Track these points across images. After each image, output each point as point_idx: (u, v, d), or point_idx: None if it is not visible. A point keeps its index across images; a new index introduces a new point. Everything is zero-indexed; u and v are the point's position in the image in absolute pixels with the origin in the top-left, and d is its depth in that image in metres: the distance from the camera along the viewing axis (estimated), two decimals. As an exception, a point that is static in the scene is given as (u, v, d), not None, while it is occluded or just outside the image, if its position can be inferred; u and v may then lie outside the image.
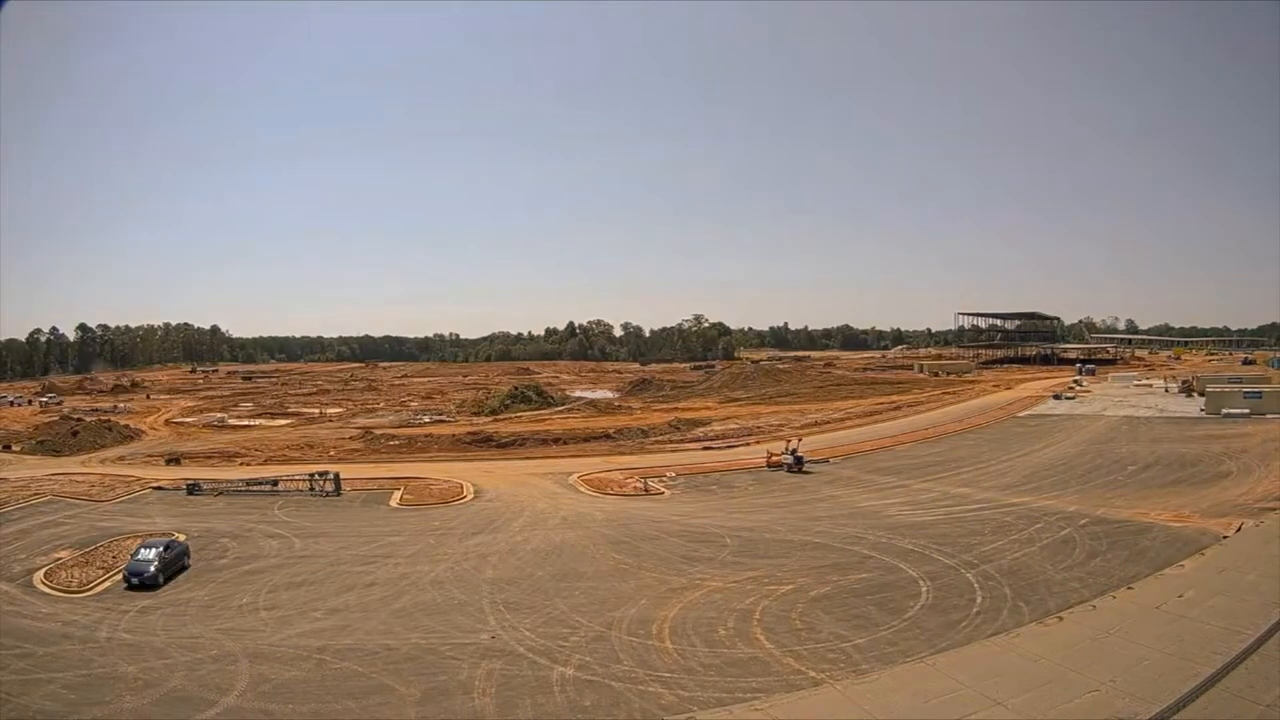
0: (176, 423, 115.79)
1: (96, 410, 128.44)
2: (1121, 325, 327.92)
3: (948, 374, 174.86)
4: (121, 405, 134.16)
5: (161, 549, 38.33)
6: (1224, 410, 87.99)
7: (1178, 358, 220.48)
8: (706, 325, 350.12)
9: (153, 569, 36.75)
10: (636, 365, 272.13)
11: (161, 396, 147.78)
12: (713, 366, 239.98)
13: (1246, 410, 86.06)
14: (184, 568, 39.23)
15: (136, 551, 38.56)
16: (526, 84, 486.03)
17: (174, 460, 77.41)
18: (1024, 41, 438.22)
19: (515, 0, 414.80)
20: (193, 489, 58.98)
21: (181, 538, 43.72)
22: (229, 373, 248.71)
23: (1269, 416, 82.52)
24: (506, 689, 25.18)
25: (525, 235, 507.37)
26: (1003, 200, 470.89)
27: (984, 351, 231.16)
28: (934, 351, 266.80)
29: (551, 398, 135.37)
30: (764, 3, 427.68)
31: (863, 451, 74.53)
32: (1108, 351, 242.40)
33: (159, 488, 60.76)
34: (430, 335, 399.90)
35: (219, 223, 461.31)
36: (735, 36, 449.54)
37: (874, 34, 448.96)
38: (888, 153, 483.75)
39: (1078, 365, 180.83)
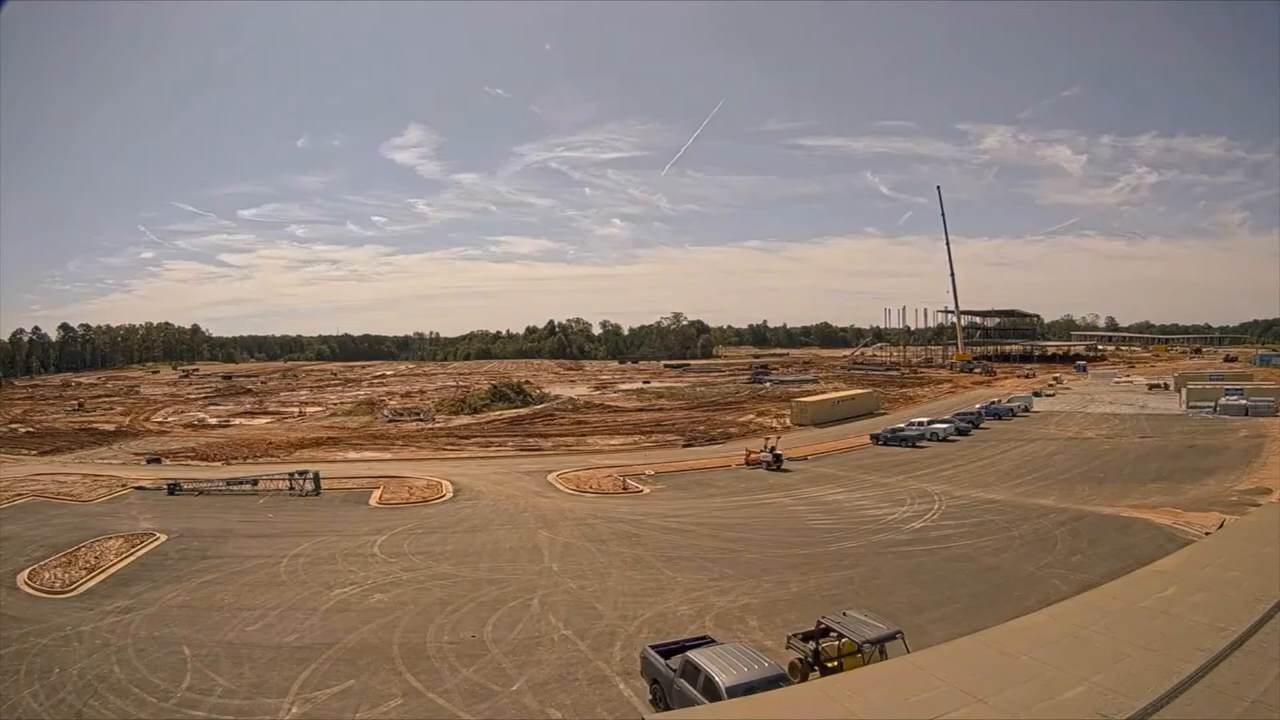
0: (157, 423, 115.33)
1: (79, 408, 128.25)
2: (1102, 323, 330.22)
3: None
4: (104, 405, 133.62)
5: None
6: (1206, 406, 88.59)
7: (1158, 356, 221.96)
8: (685, 323, 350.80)
9: None
10: (615, 364, 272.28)
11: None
12: (688, 365, 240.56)
13: (1229, 406, 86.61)
14: None
15: None
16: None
17: (155, 460, 76.99)
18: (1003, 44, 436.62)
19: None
20: (174, 489, 58.63)
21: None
22: (205, 375, 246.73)
23: (1251, 413, 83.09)
24: (483, 690, 25.01)
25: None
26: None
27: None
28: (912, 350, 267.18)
29: (530, 396, 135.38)
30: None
31: (840, 450, 74.69)
32: (1088, 349, 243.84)
33: (141, 487, 60.34)
34: (410, 334, 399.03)
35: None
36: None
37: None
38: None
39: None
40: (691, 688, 21.38)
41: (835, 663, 24.21)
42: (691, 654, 22.26)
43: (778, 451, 66.21)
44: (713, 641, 24.54)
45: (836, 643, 24.61)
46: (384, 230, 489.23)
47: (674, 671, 22.47)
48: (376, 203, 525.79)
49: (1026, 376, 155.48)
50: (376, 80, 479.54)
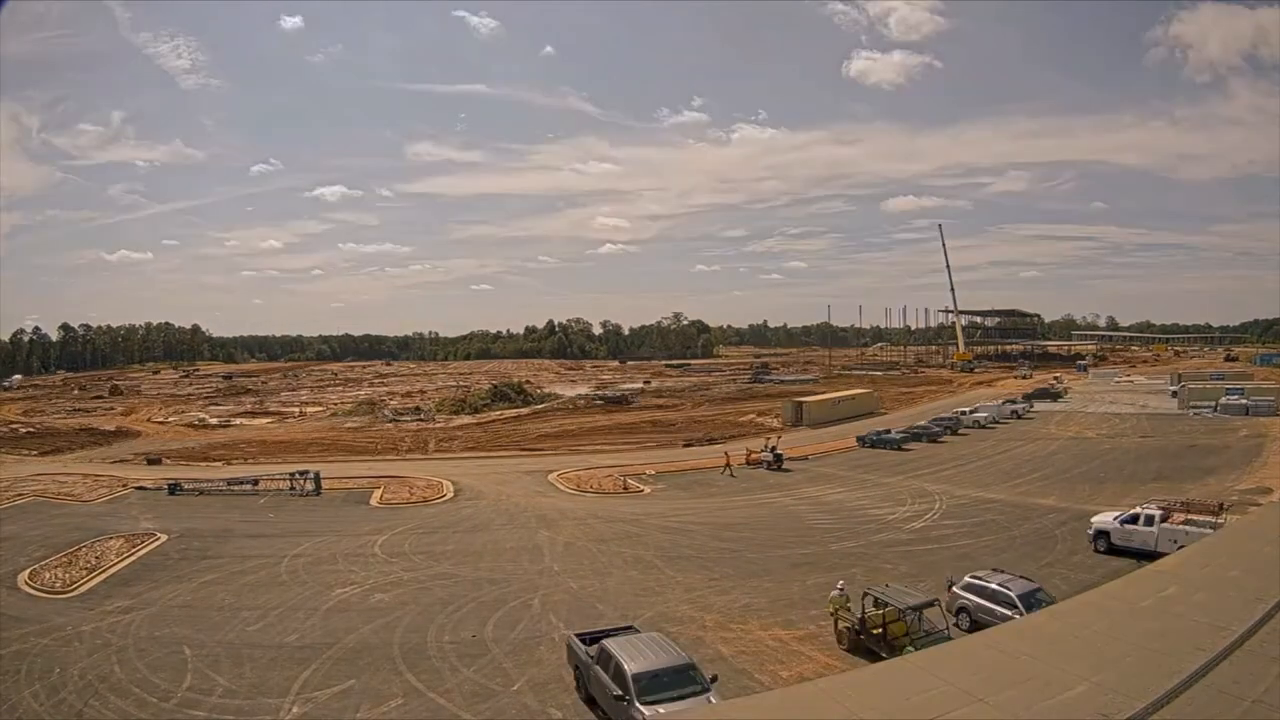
0: (158, 422, 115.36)
1: (79, 410, 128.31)
2: (1102, 323, 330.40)
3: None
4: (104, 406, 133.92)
5: None
6: (1206, 406, 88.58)
7: (1159, 356, 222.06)
8: (685, 323, 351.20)
9: None
10: (615, 363, 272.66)
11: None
12: (689, 365, 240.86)
13: (1230, 406, 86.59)
14: None
15: None
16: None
17: (155, 460, 77.02)
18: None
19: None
20: (174, 489, 58.67)
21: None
22: (205, 375, 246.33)
23: (1252, 413, 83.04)
24: (484, 690, 25.02)
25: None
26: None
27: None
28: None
29: (531, 396, 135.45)
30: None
31: (841, 450, 74.67)
32: (1090, 349, 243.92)
33: (142, 488, 60.38)
34: (410, 334, 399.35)
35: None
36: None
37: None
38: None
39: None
40: (605, 673, 22.52)
41: (879, 629, 26.66)
42: (606, 642, 23.51)
43: (779, 451, 66.29)
44: (634, 630, 25.31)
45: (881, 611, 26.90)
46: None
47: (591, 658, 23.61)
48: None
49: (1023, 378, 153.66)
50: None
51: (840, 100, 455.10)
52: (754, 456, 66.66)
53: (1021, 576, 29.93)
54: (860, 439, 77.50)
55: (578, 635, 25.36)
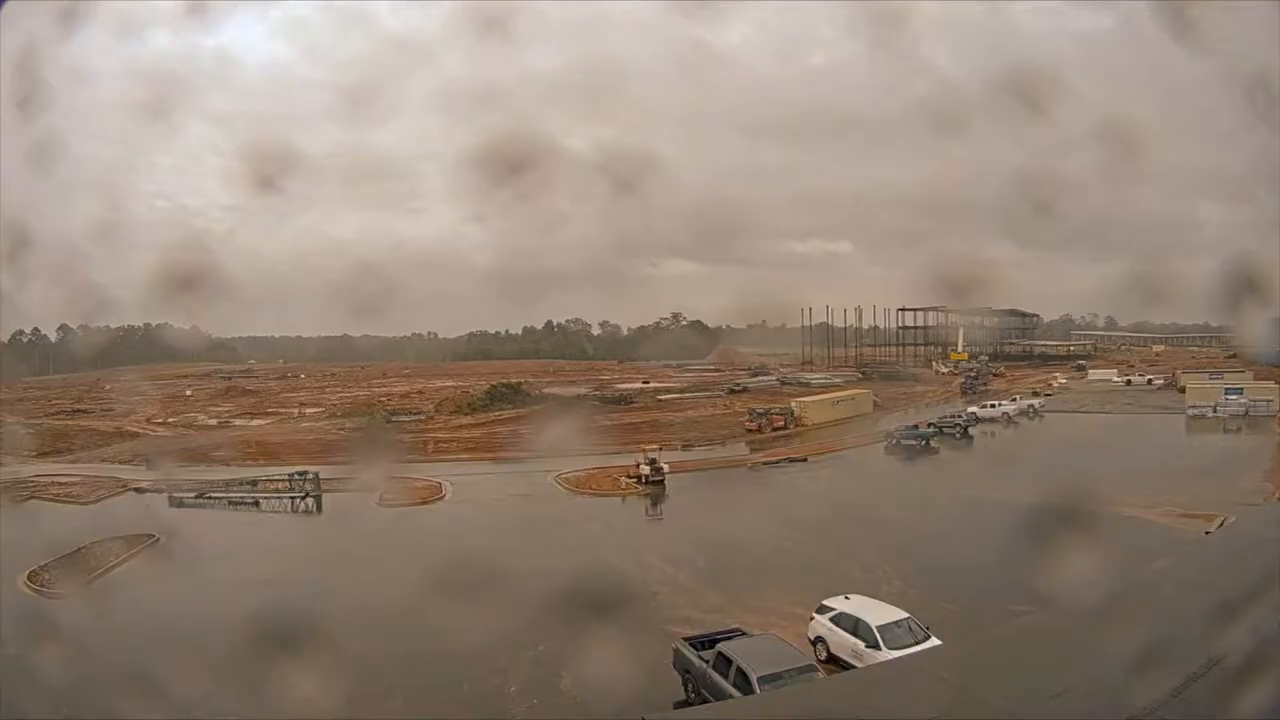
0: (156, 423, 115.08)
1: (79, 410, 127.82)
2: (1100, 323, 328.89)
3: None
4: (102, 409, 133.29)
5: None
6: (1205, 406, 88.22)
7: (1158, 356, 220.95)
8: (685, 324, 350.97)
9: None
10: (615, 364, 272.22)
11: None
12: (688, 365, 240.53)
13: (1229, 406, 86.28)
14: None
15: None
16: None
17: (153, 462, 76.75)
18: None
19: None
20: (172, 490, 58.53)
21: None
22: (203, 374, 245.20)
23: (1251, 413, 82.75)
24: (477, 695, 25.09)
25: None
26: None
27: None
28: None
29: (529, 396, 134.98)
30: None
31: (842, 450, 74.59)
32: (1088, 348, 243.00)
33: (140, 489, 60.30)
34: (408, 334, 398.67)
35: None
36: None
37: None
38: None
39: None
40: (723, 679, 21.98)
41: None
42: (722, 646, 23.00)
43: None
44: (743, 634, 24.88)
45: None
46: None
47: (706, 664, 22.94)
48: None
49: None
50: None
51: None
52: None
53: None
54: (890, 436, 78.03)
55: (686, 639, 24.99)
